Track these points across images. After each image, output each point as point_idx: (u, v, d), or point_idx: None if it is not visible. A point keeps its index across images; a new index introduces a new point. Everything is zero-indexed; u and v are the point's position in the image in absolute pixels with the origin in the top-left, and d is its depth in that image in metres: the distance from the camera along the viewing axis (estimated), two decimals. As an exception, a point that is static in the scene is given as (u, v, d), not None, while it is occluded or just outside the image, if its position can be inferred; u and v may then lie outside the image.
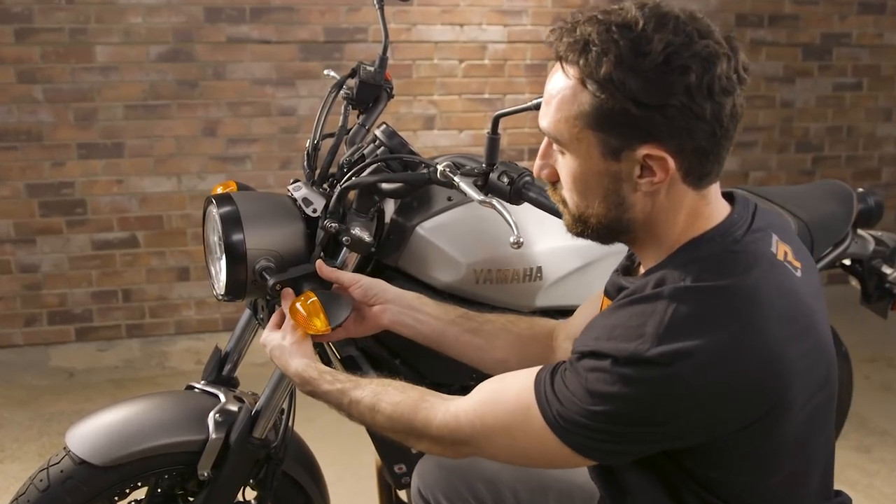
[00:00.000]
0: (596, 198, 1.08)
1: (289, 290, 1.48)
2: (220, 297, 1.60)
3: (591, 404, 1.02)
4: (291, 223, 1.58)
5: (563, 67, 1.06)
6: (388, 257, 1.70)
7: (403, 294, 1.50)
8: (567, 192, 1.12)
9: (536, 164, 1.15)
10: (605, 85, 1.01)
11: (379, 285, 1.50)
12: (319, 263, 1.51)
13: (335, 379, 1.33)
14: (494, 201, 1.36)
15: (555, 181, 1.14)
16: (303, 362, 1.37)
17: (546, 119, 1.09)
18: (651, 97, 1.00)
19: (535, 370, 1.12)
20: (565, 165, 1.10)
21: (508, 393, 1.13)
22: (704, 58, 1.00)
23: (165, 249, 3.91)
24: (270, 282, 1.48)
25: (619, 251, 1.26)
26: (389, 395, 1.25)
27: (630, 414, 1.01)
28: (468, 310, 1.51)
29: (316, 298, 1.41)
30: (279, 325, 1.45)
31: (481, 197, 1.38)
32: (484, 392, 1.17)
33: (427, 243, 1.68)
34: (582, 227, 1.12)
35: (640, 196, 1.07)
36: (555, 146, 1.11)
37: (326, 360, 1.74)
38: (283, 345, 1.40)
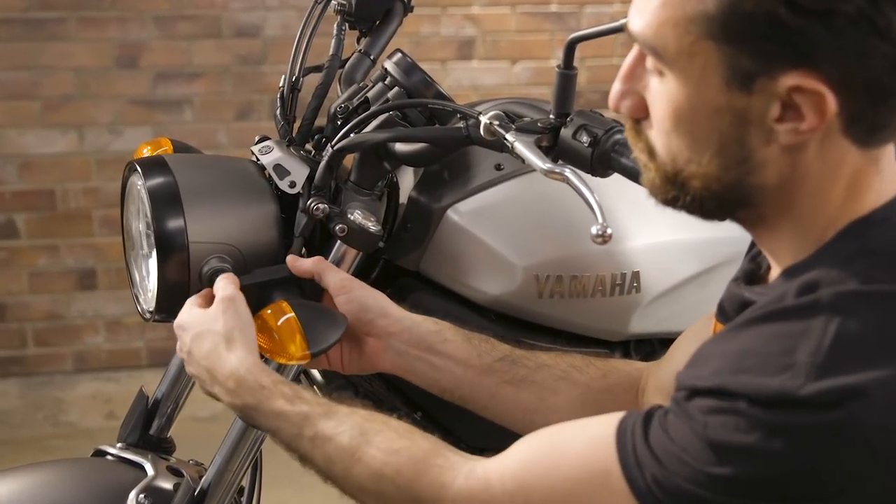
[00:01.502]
0: (706, 148, 1.09)
1: (229, 277, 1.48)
2: (149, 316, 1.63)
3: (711, 464, 1.03)
4: (257, 203, 1.61)
5: None
6: (405, 257, 1.73)
7: (415, 323, 1.52)
8: (659, 133, 1.12)
9: (615, 90, 1.15)
10: None
11: (379, 304, 1.52)
12: (291, 258, 1.54)
13: (296, 395, 1.34)
14: (567, 171, 1.37)
15: (640, 117, 1.15)
16: (248, 359, 1.37)
17: (642, 18, 1.09)
18: None
19: (614, 417, 1.13)
20: (664, 93, 1.10)
21: (571, 449, 1.14)
22: None
23: (59, 242, 3.95)
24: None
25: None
26: (385, 437, 1.26)
27: (775, 480, 1.02)
28: (513, 347, 1.53)
29: (293, 314, 1.45)
30: (206, 305, 1.46)
31: (548, 165, 1.39)
32: (531, 447, 1.19)
33: (464, 235, 1.70)
34: (676, 191, 1.13)
35: (775, 150, 1.08)
36: (649, 63, 1.12)
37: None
38: (214, 329, 1.41)
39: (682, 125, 1.10)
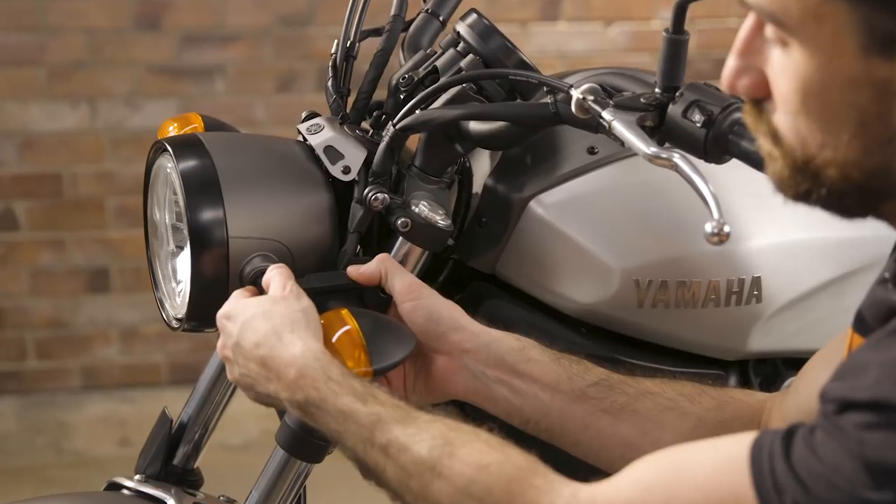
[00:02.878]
0: (843, 128, 1.09)
1: (282, 266, 1.50)
2: (176, 324, 1.64)
3: (867, 487, 1.02)
4: (307, 192, 1.62)
5: None
6: (479, 257, 1.74)
7: (494, 340, 1.52)
8: (786, 115, 1.12)
9: (729, 66, 1.15)
10: None
11: (452, 316, 1.53)
12: (353, 268, 1.55)
13: (369, 394, 1.34)
14: (676, 156, 1.37)
15: (761, 97, 1.15)
16: (315, 346, 1.39)
17: None
18: None
19: (746, 435, 1.13)
20: (789, 67, 1.10)
21: (696, 472, 1.15)
22: None
23: (66, 235, 4.00)
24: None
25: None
26: (473, 449, 1.26)
27: None
28: (610, 370, 1.53)
29: (354, 325, 1.46)
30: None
31: (653, 149, 1.38)
32: (649, 470, 1.19)
33: (550, 232, 1.70)
34: (809, 183, 1.13)
35: None
36: (769, 31, 1.12)
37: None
38: (273, 312, 1.42)
39: (813, 103, 1.10)
